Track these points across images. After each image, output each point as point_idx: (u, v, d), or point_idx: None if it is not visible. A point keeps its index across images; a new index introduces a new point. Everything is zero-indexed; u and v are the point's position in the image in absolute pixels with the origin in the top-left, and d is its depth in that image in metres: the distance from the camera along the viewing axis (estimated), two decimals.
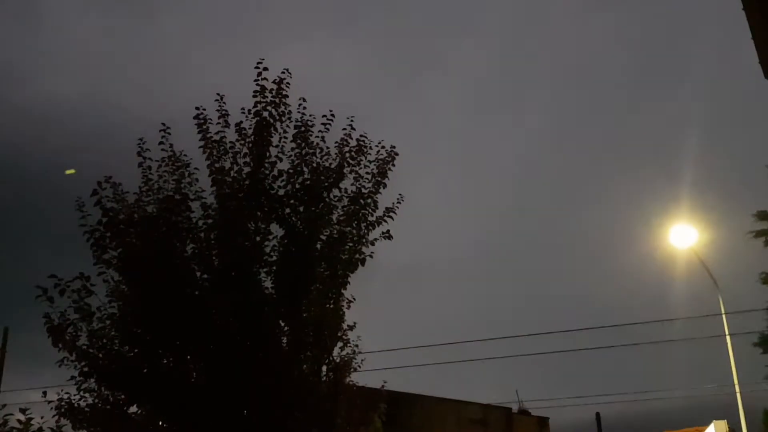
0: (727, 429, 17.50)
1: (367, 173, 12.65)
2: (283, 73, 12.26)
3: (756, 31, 8.40)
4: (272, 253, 12.09)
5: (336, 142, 12.65)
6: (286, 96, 12.29)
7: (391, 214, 12.62)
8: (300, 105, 12.51)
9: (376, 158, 12.74)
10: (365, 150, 12.69)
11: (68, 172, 11.57)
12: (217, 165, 12.11)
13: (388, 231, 12.59)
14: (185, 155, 12.40)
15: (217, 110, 12.32)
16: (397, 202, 12.71)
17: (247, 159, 12.17)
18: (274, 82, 12.21)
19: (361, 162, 12.65)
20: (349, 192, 12.56)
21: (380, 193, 12.63)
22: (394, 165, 12.80)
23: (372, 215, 12.55)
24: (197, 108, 12.28)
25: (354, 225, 12.45)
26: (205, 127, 12.24)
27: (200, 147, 12.19)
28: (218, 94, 12.35)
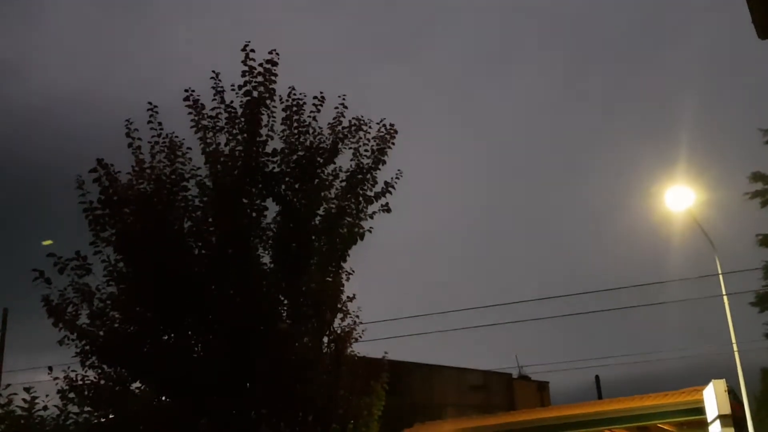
0: (726, 388, 17.64)
1: (366, 150, 12.63)
2: (271, 53, 12.20)
3: None
4: (270, 228, 12.14)
5: (329, 123, 12.63)
6: (276, 75, 12.22)
7: (390, 189, 12.61)
8: (290, 92, 12.47)
9: (376, 135, 12.72)
10: (362, 128, 12.64)
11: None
12: (210, 145, 12.13)
13: (387, 204, 12.58)
14: (176, 136, 12.39)
15: (213, 87, 12.30)
16: (396, 178, 12.69)
17: (239, 137, 12.15)
18: (260, 65, 12.16)
19: (360, 139, 12.63)
20: (345, 169, 12.56)
21: (379, 169, 12.61)
22: (393, 143, 12.78)
23: (371, 191, 12.56)
24: (186, 90, 12.28)
25: (352, 200, 12.47)
26: (198, 107, 12.23)
27: (192, 127, 12.19)
28: (213, 72, 12.31)
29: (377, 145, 12.65)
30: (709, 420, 18.24)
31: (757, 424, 19.06)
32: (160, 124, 12.34)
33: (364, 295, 13.15)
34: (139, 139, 12.21)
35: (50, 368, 11.68)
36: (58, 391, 11.39)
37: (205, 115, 12.23)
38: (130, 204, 11.67)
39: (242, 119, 12.13)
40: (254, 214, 12.01)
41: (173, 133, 12.42)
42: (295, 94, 12.49)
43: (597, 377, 38.77)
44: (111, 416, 11.61)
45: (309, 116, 12.51)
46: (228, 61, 12.47)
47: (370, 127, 12.72)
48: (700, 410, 18.72)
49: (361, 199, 12.48)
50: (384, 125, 12.80)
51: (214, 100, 12.28)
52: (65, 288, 11.38)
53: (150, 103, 12.34)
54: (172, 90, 12.66)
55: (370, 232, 12.48)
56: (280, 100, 12.39)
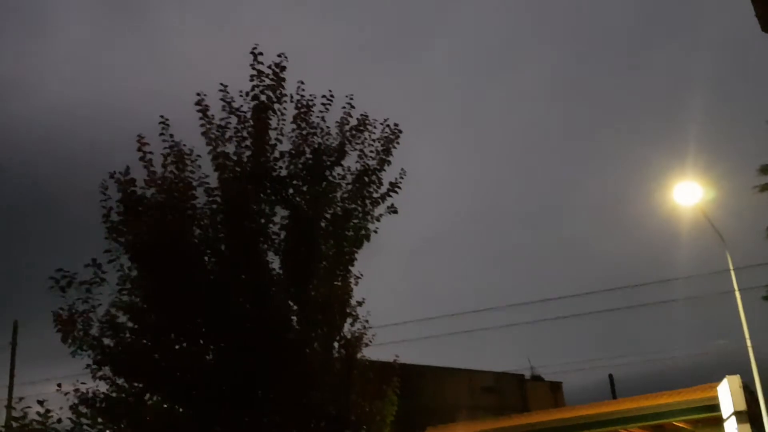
0: (741, 384, 17.54)
1: (371, 151, 12.65)
2: (279, 56, 12.20)
3: None
4: (278, 234, 12.14)
5: (336, 122, 12.65)
6: (284, 79, 12.22)
7: (396, 188, 12.63)
8: (299, 87, 12.49)
9: (381, 136, 12.73)
10: (368, 128, 12.66)
11: None
12: (219, 149, 12.10)
13: (392, 205, 12.64)
14: (185, 145, 12.34)
15: (222, 99, 12.28)
16: (400, 177, 12.71)
17: (248, 143, 12.15)
18: (269, 67, 12.16)
19: (365, 140, 12.64)
20: (352, 170, 12.58)
21: (384, 170, 12.64)
22: (398, 143, 12.80)
23: (377, 192, 12.57)
24: (198, 94, 12.24)
25: (359, 202, 12.47)
26: (207, 113, 12.21)
27: (202, 133, 12.17)
28: (222, 84, 12.27)
29: (382, 145, 12.67)
30: (724, 417, 18.14)
31: None
32: (171, 136, 12.26)
33: (373, 299, 13.16)
34: (151, 153, 12.13)
35: (59, 385, 11.65)
36: (71, 407, 11.36)
37: (215, 125, 12.21)
38: (145, 213, 11.65)
39: (250, 122, 12.13)
40: (263, 220, 12.02)
41: (182, 141, 12.36)
42: (304, 95, 12.50)
43: (611, 376, 38.62)
44: (124, 427, 11.59)
45: (318, 116, 12.55)
46: (234, 66, 12.48)
47: (374, 127, 12.74)
48: (715, 407, 18.60)
49: (367, 201, 12.50)
50: (388, 125, 12.83)
51: (224, 110, 12.26)
52: (75, 301, 11.37)
53: (162, 117, 12.28)
54: (179, 99, 12.67)
55: (376, 232, 12.52)
56: (291, 99, 12.39)
